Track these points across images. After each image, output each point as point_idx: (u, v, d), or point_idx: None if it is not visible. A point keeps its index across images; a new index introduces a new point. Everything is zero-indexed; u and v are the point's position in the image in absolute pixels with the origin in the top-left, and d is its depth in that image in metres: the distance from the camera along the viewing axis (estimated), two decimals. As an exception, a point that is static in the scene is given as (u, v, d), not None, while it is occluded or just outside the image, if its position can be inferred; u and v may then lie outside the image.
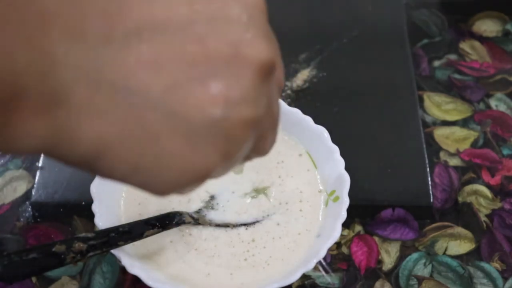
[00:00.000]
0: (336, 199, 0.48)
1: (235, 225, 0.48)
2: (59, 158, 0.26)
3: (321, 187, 0.50)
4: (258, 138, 0.30)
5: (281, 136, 0.52)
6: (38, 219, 0.54)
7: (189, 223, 0.47)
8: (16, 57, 0.24)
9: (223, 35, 0.27)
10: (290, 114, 0.51)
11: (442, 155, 0.58)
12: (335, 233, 0.45)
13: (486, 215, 0.55)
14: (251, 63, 0.27)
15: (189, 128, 0.27)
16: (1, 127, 0.24)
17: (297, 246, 0.47)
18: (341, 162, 0.48)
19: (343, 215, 0.46)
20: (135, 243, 0.45)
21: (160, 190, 0.29)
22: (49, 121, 0.25)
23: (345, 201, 0.47)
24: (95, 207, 0.46)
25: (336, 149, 0.49)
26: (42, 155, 0.57)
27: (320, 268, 0.52)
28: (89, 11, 0.25)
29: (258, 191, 0.50)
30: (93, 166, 0.27)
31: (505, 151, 0.59)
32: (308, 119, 0.51)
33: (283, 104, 0.51)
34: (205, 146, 0.27)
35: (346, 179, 0.48)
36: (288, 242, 0.48)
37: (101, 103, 0.25)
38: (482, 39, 0.67)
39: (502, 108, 0.62)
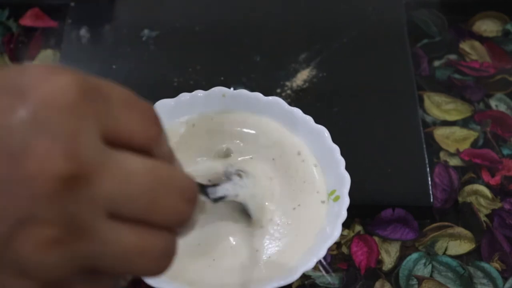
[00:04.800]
0: (337, 198, 0.47)
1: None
2: None
3: (321, 187, 0.50)
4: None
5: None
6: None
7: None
8: None
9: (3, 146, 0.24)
10: (290, 113, 0.51)
11: (442, 155, 0.58)
12: (335, 233, 0.45)
13: (486, 215, 0.55)
14: (34, 178, 0.24)
15: None
16: None
17: (297, 246, 0.47)
18: (341, 162, 0.48)
19: (343, 215, 0.46)
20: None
21: None
22: None
23: (345, 201, 0.46)
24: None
25: (336, 148, 0.49)
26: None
27: (320, 268, 0.52)
28: None
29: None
30: None
31: (505, 151, 0.59)
32: (309, 119, 0.51)
33: (283, 104, 0.51)
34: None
35: (347, 178, 0.47)
36: (288, 242, 0.47)
37: None
38: (482, 39, 0.67)
39: (502, 108, 0.62)
